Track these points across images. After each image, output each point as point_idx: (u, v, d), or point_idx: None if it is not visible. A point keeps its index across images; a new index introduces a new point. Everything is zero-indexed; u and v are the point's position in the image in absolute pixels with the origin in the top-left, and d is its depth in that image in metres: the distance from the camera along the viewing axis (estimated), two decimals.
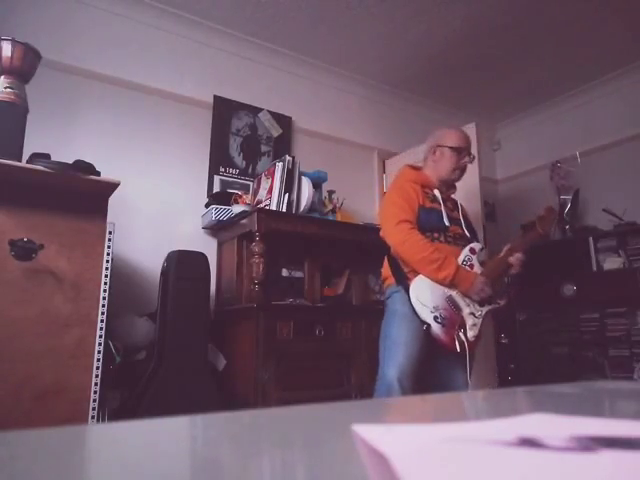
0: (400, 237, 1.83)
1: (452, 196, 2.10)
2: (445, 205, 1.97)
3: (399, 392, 1.70)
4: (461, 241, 1.94)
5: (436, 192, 1.98)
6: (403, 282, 1.86)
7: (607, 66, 3.54)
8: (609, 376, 3.03)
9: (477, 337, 1.84)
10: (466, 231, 1.98)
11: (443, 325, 1.78)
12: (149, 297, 2.46)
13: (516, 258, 1.89)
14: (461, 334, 1.80)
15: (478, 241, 2.04)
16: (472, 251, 1.91)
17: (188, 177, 2.88)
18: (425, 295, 1.80)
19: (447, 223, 1.91)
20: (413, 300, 1.80)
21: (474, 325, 1.83)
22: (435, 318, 1.78)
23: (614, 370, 3.05)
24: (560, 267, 3.45)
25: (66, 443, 0.31)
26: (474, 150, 3.07)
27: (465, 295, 1.84)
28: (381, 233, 1.95)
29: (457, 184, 2.11)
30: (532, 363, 3.51)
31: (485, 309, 1.87)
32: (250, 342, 2.23)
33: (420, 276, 1.83)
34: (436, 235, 1.89)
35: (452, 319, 1.81)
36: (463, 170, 2.04)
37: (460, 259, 1.88)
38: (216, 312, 2.63)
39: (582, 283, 3.31)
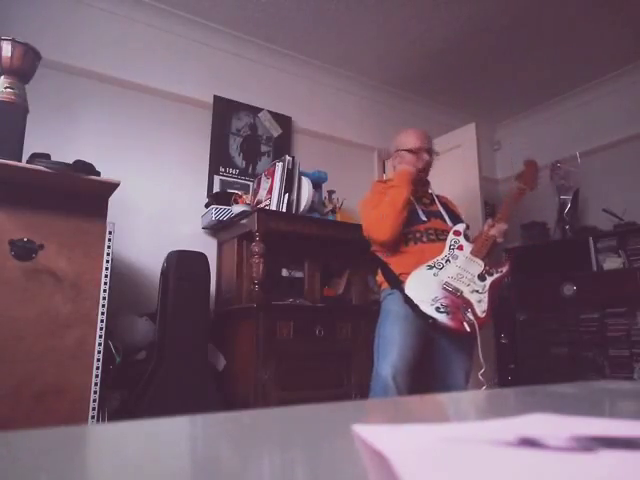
0: (371, 221, 1.96)
1: (429, 191, 2.13)
2: (420, 202, 2.01)
3: (394, 389, 1.71)
4: (444, 235, 1.95)
5: None
6: (397, 285, 1.89)
7: (607, 66, 3.54)
8: (609, 376, 3.03)
9: (487, 312, 1.81)
10: (449, 222, 1.99)
11: (447, 313, 1.77)
12: (149, 297, 2.45)
13: (497, 229, 1.90)
14: (469, 314, 1.78)
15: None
16: (457, 233, 1.93)
17: (188, 177, 2.88)
18: (421, 290, 1.81)
19: (424, 218, 1.95)
20: (412, 297, 1.80)
21: (480, 301, 1.81)
22: (437, 309, 1.77)
23: (614, 370, 3.05)
24: (560, 267, 3.45)
25: (66, 443, 0.31)
26: (474, 150, 3.09)
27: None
28: (365, 232, 2.02)
29: (457, 184, 2.13)
30: (532, 363, 3.51)
31: (488, 281, 1.85)
32: (250, 342, 2.23)
33: (411, 275, 1.84)
34: (418, 235, 1.92)
35: (455, 303, 1.79)
36: (425, 169, 2.07)
37: (446, 246, 1.89)
38: (216, 312, 2.63)
39: (582, 283, 3.31)
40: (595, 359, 3.16)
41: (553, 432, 0.23)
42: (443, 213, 2.01)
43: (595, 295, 3.22)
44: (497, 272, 1.88)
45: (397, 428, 0.25)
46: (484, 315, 1.80)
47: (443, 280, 1.82)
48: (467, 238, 1.93)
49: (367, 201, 2.07)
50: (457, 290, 1.81)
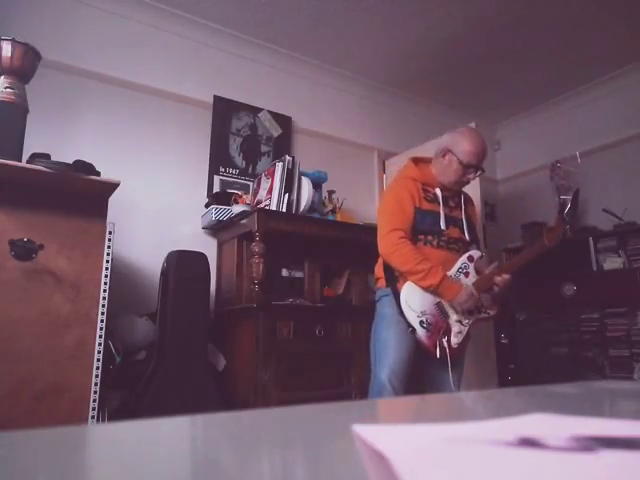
0: (388, 247, 1.85)
1: (462, 189, 2.03)
2: (446, 205, 1.93)
3: (391, 392, 1.73)
4: (456, 245, 1.91)
5: (437, 191, 1.94)
6: (393, 285, 1.88)
7: (607, 66, 3.54)
8: (609, 376, 3.03)
9: (462, 344, 1.85)
10: (466, 233, 1.95)
11: (428, 330, 1.81)
12: (149, 297, 2.45)
13: (502, 279, 1.87)
14: (444, 340, 1.81)
15: (478, 243, 2.02)
16: (470, 259, 1.90)
17: (188, 177, 2.88)
18: (414, 299, 1.82)
19: (443, 226, 1.89)
20: (402, 303, 1.82)
21: (459, 332, 1.84)
22: (421, 323, 1.80)
23: (614, 370, 3.05)
24: (560, 267, 3.45)
25: (66, 443, 0.31)
26: None
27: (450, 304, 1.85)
28: (378, 227, 1.94)
29: None
30: (532, 363, 3.51)
31: (473, 318, 1.88)
32: (250, 342, 2.23)
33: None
34: (430, 238, 1.88)
35: (437, 325, 1.82)
36: (466, 183, 1.99)
37: (456, 266, 1.87)
38: (216, 312, 2.63)
39: (582, 283, 3.31)
40: (595, 359, 3.16)
41: (553, 432, 0.23)
42: (463, 222, 1.96)
43: (595, 295, 3.22)
44: (484, 312, 1.90)
45: (397, 428, 0.25)
46: (456, 347, 1.84)
47: (438, 299, 1.84)
48: (475, 270, 1.92)
49: (391, 193, 1.96)
50: (446, 314, 1.84)
